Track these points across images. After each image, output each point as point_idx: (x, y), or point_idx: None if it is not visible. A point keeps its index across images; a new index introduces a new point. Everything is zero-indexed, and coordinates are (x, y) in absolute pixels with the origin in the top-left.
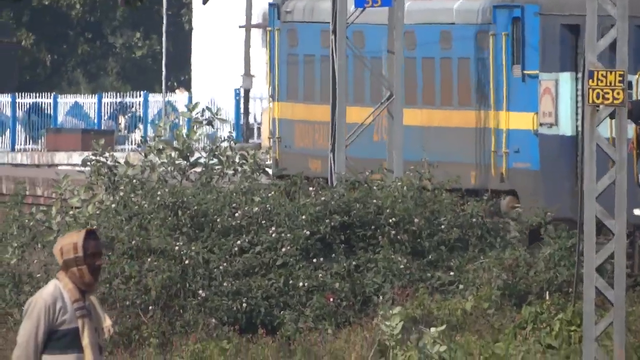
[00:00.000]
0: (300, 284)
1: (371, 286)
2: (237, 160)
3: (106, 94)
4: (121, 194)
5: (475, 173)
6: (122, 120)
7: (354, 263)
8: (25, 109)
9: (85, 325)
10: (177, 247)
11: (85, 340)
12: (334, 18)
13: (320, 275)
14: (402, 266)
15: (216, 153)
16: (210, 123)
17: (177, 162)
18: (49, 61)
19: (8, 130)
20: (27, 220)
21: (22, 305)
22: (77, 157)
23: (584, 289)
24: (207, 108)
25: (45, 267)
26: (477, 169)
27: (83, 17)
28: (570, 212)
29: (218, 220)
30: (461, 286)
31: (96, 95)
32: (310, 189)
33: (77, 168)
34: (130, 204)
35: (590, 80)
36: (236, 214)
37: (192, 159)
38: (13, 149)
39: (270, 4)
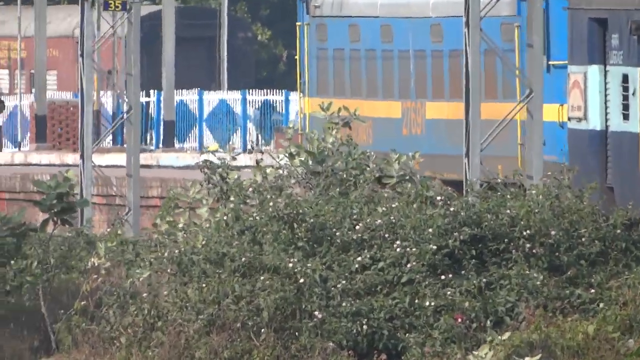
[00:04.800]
0: (427, 303)
1: (503, 305)
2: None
3: None
4: (231, 205)
5: (502, 165)
6: None
7: (484, 280)
8: (258, 106)
9: None
10: (291, 264)
11: None
12: (466, 10)
13: (448, 293)
14: (538, 283)
15: (350, 158)
16: (347, 124)
17: (310, 167)
18: (285, 56)
19: (239, 129)
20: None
21: (127, 329)
22: None
23: None
24: (345, 107)
25: (150, 287)
26: (504, 161)
27: None
28: (601, 207)
29: (337, 233)
30: (602, 305)
31: None
32: (439, 198)
33: None
34: (243, 216)
35: None
36: (357, 227)
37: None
38: (245, 150)
39: None
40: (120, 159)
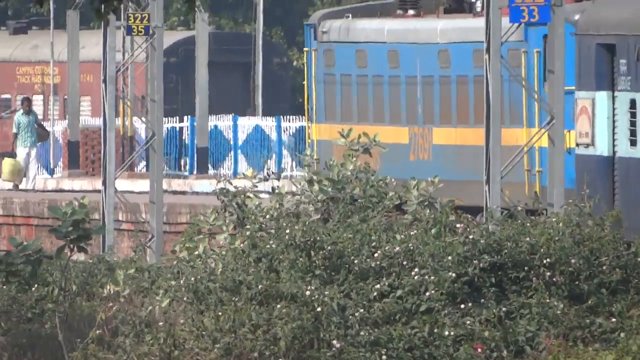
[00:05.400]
0: (446, 332)
1: (524, 334)
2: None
3: None
4: (247, 233)
5: (509, 191)
6: None
7: (504, 309)
8: (292, 133)
9: None
10: (308, 292)
11: None
12: (487, 36)
13: (468, 322)
14: (558, 312)
15: (368, 185)
16: (367, 151)
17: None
18: None
19: (274, 155)
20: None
21: (143, 358)
22: None
23: None
24: (364, 134)
25: (167, 315)
26: (511, 187)
27: None
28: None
29: (355, 261)
30: (623, 334)
31: None
32: (458, 225)
33: None
34: (260, 243)
35: None
36: (375, 254)
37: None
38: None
39: (306, 24)
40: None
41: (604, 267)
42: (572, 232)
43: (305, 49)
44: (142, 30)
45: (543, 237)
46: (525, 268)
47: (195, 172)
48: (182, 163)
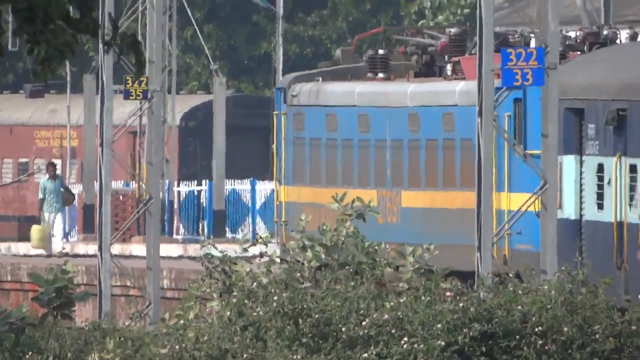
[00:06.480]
0: None
1: None
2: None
3: None
4: (234, 300)
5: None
6: None
7: None
8: None
9: None
10: None
11: None
12: (479, 99)
13: None
14: None
15: (358, 252)
16: (361, 216)
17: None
18: None
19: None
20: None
21: None
22: None
23: None
24: (358, 198)
25: None
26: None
27: None
28: None
29: (343, 329)
30: None
31: None
32: (448, 294)
33: None
34: (247, 311)
35: None
36: (364, 323)
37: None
38: None
39: (276, 88)
40: (166, 249)
41: (597, 336)
42: (564, 300)
43: (274, 112)
44: (140, 94)
45: (535, 306)
46: (517, 337)
47: (212, 236)
48: (201, 227)
